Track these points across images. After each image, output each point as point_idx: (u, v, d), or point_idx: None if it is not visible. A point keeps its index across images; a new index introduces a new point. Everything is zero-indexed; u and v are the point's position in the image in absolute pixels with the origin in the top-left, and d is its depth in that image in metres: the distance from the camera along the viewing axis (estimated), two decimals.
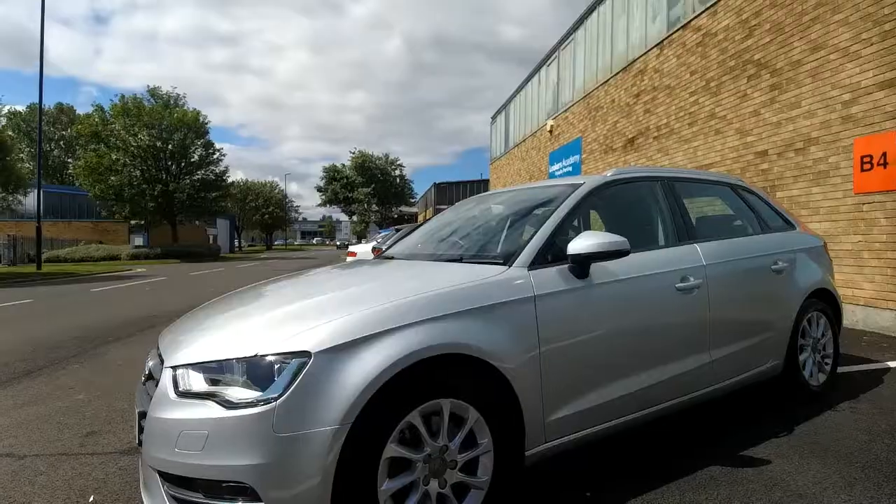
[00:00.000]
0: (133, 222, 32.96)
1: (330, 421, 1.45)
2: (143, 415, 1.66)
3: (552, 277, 1.99)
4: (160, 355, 1.81)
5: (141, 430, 1.66)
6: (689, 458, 2.35)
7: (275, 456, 1.41)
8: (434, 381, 1.64)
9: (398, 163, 49.69)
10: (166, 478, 1.55)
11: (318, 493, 1.43)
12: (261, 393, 1.46)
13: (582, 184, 2.41)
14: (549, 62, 15.03)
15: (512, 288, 1.89)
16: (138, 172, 28.99)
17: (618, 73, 10.52)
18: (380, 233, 14.85)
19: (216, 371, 1.56)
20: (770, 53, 6.31)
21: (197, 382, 1.57)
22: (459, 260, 2.25)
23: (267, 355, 1.51)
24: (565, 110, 13.45)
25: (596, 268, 2.08)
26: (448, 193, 49.14)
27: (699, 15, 7.82)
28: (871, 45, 4.85)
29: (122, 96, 30.04)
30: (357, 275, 2.42)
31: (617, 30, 10.75)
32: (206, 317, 2.10)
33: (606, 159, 10.95)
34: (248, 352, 1.54)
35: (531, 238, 2.10)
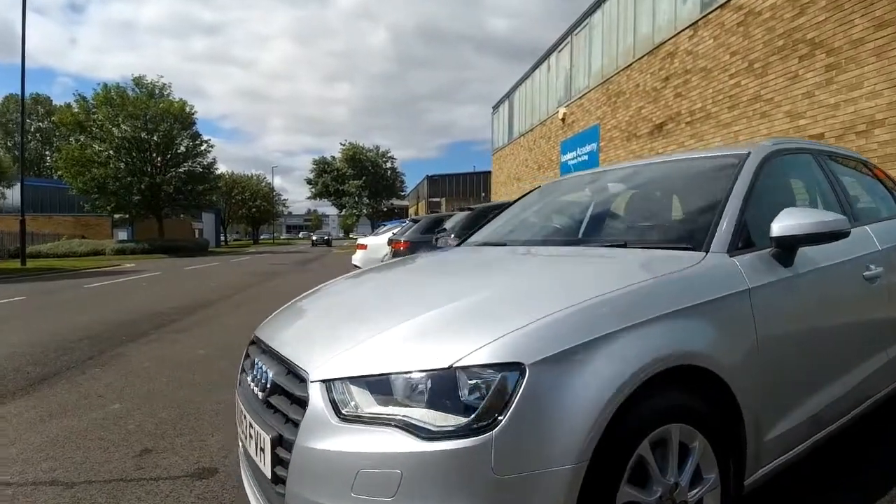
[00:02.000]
0: (117, 216, 31.87)
1: (563, 458, 1.09)
2: (279, 441, 1.27)
3: (757, 265, 1.62)
4: (287, 362, 1.41)
5: (277, 461, 1.27)
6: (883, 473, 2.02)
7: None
8: (663, 401, 1.27)
9: (389, 155, 48.92)
10: None
11: None
12: (465, 419, 1.07)
13: (747, 153, 2.03)
14: (559, 48, 14.63)
15: (724, 280, 1.52)
16: (123, 164, 27.93)
17: (643, 56, 10.17)
18: (386, 224, 14.38)
19: (393, 388, 1.16)
20: (826, 32, 6.00)
21: (366, 402, 1.18)
22: (623, 245, 1.86)
23: (467, 367, 1.11)
24: (580, 97, 13.09)
25: (799, 254, 1.72)
26: (441, 186, 48.61)
27: None
28: None
29: (105, 85, 28.84)
30: (494, 266, 2.00)
31: (640, 12, 10.39)
32: (326, 314, 1.70)
33: (629, 146, 10.63)
34: (435, 362, 1.14)
35: (718, 218, 1.71)
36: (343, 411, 1.18)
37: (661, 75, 9.60)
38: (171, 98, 30.16)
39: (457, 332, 1.25)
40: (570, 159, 13.49)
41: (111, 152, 27.53)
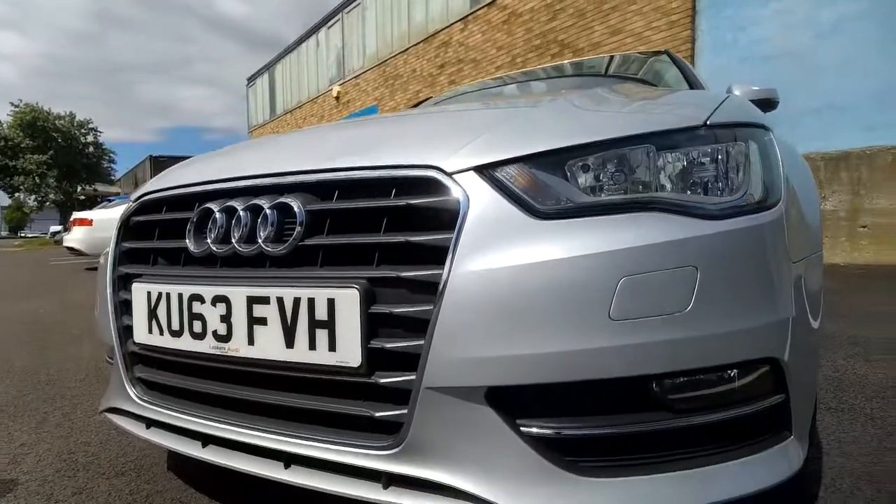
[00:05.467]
0: None
1: (818, 236, 1.03)
2: (372, 296, 0.72)
3: None
4: (335, 174, 0.82)
5: (374, 330, 0.72)
6: None
7: (799, 302, 0.78)
8: None
9: (90, 126, 37.86)
10: (554, 400, 0.70)
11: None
12: (739, 193, 0.75)
13: (662, 49, 2.30)
14: (329, 24, 14.11)
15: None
16: None
17: (418, 43, 10.70)
18: (113, 200, 11.14)
19: (606, 165, 0.75)
20: (572, 35, 7.50)
21: (566, 190, 0.74)
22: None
23: (719, 126, 0.80)
24: (355, 76, 12.92)
25: None
26: None
27: None
28: (661, 31, 6.32)
29: None
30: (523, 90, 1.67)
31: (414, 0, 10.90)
32: (345, 136, 1.06)
33: None
34: (672, 120, 0.81)
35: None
36: (541, 206, 0.71)
37: (436, 62, 10.31)
38: None
39: (638, 106, 0.97)
40: None
41: None
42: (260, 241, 0.80)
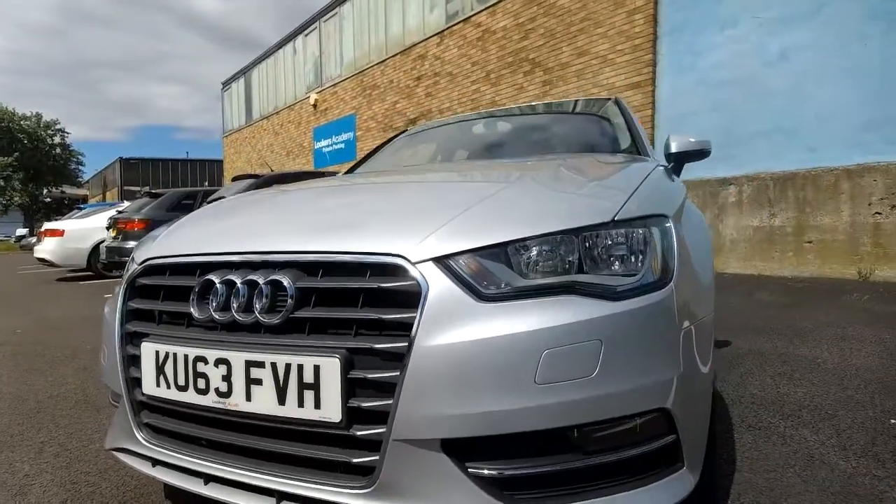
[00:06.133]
0: None
1: (708, 305, 1.17)
2: (350, 363, 0.88)
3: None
4: (321, 256, 0.98)
5: (352, 392, 0.89)
6: None
7: (688, 359, 0.98)
8: None
9: (58, 127, 36.79)
10: (488, 451, 0.88)
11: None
12: (638, 274, 0.96)
13: (613, 97, 2.50)
14: (307, 31, 14.13)
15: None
16: None
17: (396, 54, 10.86)
18: (84, 208, 10.95)
19: (538, 254, 0.95)
20: (543, 54, 7.78)
21: (507, 276, 0.93)
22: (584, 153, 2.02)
23: (626, 221, 1.00)
24: (333, 85, 12.98)
25: None
26: (141, 172, 39.75)
27: (479, 13, 8.89)
28: (625, 54, 6.64)
29: None
30: (479, 167, 1.86)
31: (391, 11, 11.06)
32: (320, 210, 1.26)
33: (386, 138, 11.19)
34: (588, 218, 0.99)
35: (635, 134, 2.08)
36: (484, 291, 0.89)
37: (413, 74, 10.49)
38: None
39: (568, 197, 1.17)
40: (324, 146, 13.24)
41: None
42: (256, 311, 0.96)
